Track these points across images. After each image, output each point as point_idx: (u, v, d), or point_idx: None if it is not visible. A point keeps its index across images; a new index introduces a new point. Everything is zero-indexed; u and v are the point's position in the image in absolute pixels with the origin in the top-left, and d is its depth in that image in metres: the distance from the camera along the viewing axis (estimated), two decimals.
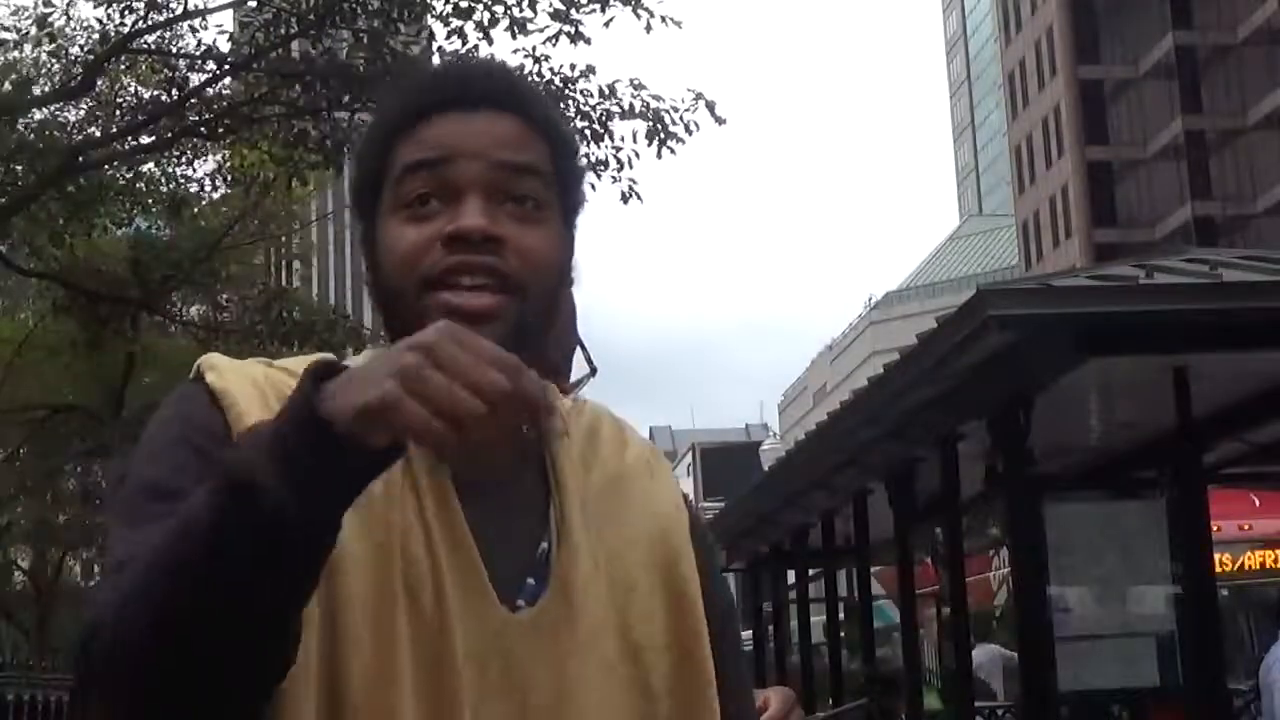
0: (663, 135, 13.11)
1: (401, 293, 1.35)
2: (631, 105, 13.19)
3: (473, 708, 1.28)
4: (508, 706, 1.30)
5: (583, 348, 2.02)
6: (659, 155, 13.18)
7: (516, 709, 1.30)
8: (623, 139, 13.24)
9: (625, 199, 13.21)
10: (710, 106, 13.18)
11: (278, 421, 1.10)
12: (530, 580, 1.34)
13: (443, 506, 1.32)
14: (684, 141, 13.13)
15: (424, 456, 1.33)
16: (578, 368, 2.00)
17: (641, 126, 13.14)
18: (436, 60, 12.32)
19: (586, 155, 13.04)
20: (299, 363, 1.37)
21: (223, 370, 1.38)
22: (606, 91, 13.16)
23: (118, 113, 16.51)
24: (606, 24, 13.22)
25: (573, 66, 13.20)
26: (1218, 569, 9.40)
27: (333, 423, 1.06)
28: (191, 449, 1.29)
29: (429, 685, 1.27)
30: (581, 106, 13.12)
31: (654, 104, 13.14)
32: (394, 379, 1.05)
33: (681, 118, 13.13)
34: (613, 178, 13.19)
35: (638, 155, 13.24)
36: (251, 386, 1.35)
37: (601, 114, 13.18)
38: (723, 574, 1.58)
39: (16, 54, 18.05)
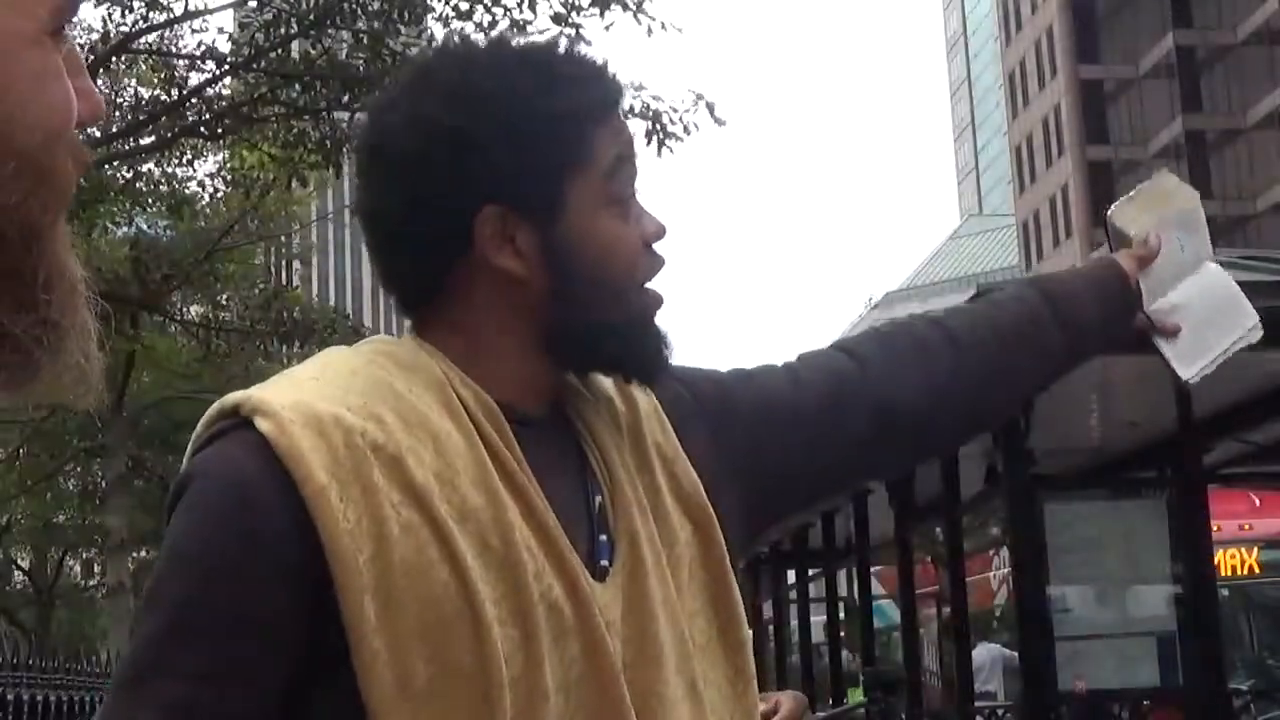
0: (661, 136, 13.08)
1: (624, 290, 1.37)
2: (631, 106, 13.18)
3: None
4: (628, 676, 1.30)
5: None
6: (659, 154, 13.15)
7: (631, 677, 1.29)
8: None
9: None
10: (710, 108, 13.18)
11: None
12: (602, 537, 1.34)
13: (522, 482, 1.30)
14: (682, 140, 13.11)
15: (486, 414, 1.31)
16: None
17: (640, 127, 13.12)
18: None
19: None
20: (356, 382, 1.30)
21: (284, 420, 1.24)
22: None
23: (118, 113, 16.51)
24: (607, 28, 13.25)
25: None
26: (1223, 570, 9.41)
27: None
28: (242, 629, 1.21)
29: (582, 685, 1.27)
30: None
31: (654, 105, 13.13)
32: None
33: (680, 118, 13.12)
34: None
35: None
36: (324, 446, 1.23)
37: None
38: (712, 371, 1.58)
39: None
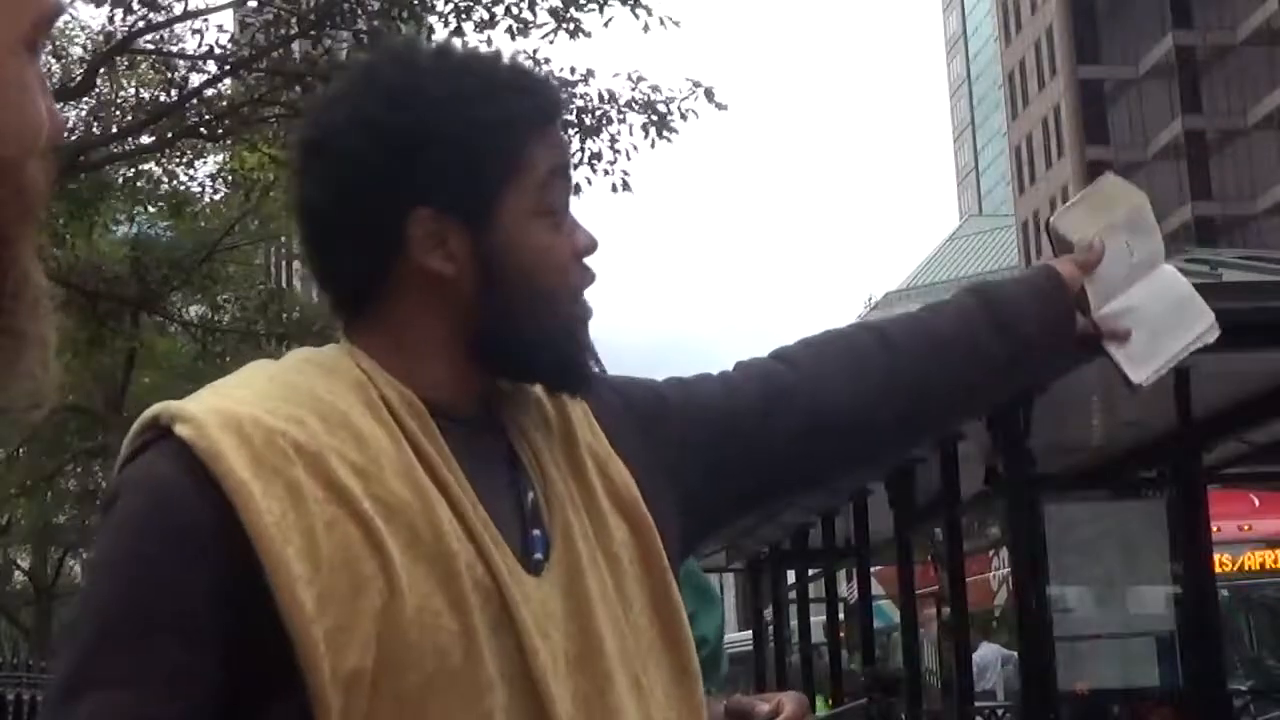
0: (659, 126, 13.04)
1: (553, 299, 1.39)
2: (633, 99, 13.14)
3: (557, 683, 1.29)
4: (571, 671, 1.30)
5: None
6: (652, 145, 13.12)
7: (574, 671, 1.31)
8: (618, 132, 13.17)
9: (616, 190, 13.18)
10: (709, 93, 13.15)
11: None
12: (535, 532, 1.36)
13: (446, 476, 1.31)
14: (677, 132, 13.08)
15: (410, 412, 1.33)
16: None
17: (638, 120, 13.09)
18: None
19: (582, 149, 13.00)
20: (274, 388, 1.31)
21: (202, 423, 1.24)
22: (606, 96, 13.13)
23: (118, 113, 16.50)
24: (606, 24, 13.22)
25: (572, 70, 13.18)
26: (1218, 568, 9.40)
27: None
28: (158, 634, 1.20)
29: (516, 672, 1.27)
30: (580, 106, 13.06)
31: (652, 96, 13.09)
32: None
33: (679, 106, 13.08)
34: (605, 170, 13.15)
35: (635, 148, 13.18)
36: (244, 446, 1.23)
37: (600, 115, 13.12)
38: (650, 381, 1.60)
39: None
